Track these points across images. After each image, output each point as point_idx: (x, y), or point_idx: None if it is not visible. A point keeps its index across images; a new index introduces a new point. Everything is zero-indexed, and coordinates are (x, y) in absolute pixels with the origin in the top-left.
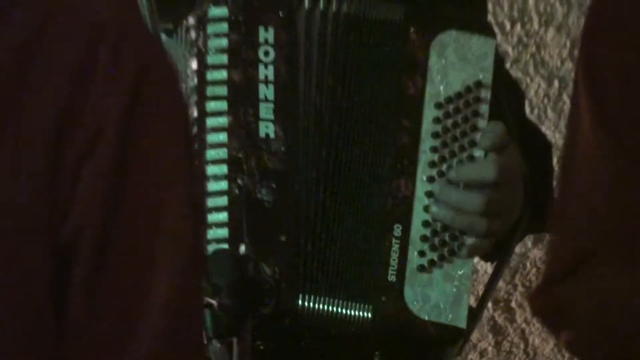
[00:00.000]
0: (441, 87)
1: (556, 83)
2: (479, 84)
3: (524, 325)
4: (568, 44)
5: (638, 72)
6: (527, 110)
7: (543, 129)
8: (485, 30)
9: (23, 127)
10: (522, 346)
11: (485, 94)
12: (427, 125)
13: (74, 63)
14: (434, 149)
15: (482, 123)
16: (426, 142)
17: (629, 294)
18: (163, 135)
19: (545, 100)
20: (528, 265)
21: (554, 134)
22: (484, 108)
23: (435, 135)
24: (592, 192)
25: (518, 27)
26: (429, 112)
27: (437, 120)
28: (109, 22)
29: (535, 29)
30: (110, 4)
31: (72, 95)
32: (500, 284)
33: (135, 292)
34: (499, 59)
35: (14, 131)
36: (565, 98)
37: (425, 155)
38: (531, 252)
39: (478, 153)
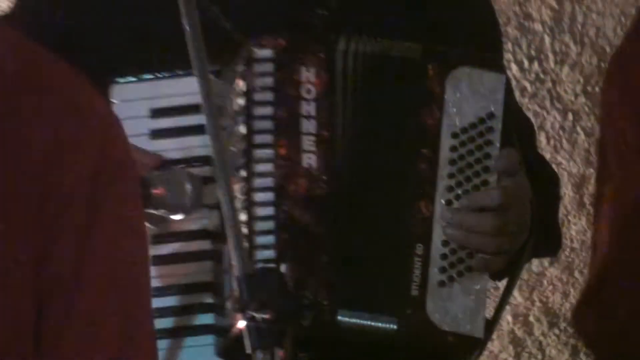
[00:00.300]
0: (457, 119)
1: (570, 116)
2: (491, 115)
3: (541, 337)
4: (581, 80)
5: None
6: (544, 141)
7: (559, 158)
8: (496, 66)
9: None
10: (539, 357)
11: (497, 124)
12: (445, 153)
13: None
14: (450, 175)
15: (494, 151)
16: (444, 169)
17: None
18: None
19: (561, 132)
20: (545, 282)
21: (569, 163)
22: (496, 137)
23: (452, 162)
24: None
25: (535, 64)
26: (446, 141)
27: (453, 148)
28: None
29: (551, 66)
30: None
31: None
32: (520, 299)
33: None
34: (509, 93)
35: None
36: (579, 130)
37: (443, 180)
38: (547, 271)
39: (491, 178)
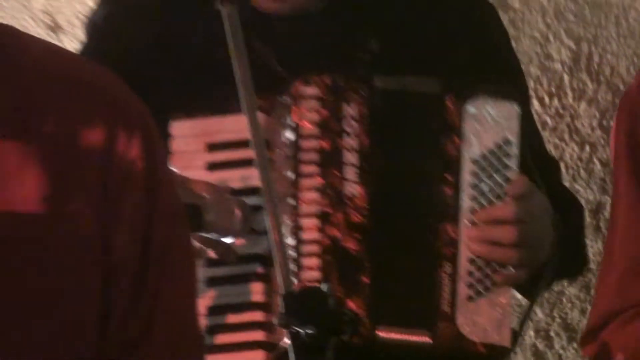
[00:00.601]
0: (475, 146)
1: (587, 148)
2: (507, 142)
3: (561, 351)
4: (597, 115)
5: None
6: (563, 170)
7: (576, 186)
8: (511, 96)
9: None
10: None
11: (513, 150)
12: (466, 178)
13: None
14: (472, 198)
15: (512, 174)
16: (465, 192)
17: None
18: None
19: (578, 162)
20: (564, 300)
21: (586, 190)
22: (513, 162)
23: (474, 186)
24: (618, 243)
25: (555, 100)
26: (467, 167)
27: (474, 173)
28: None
29: (569, 102)
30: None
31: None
32: (541, 315)
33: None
34: (524, 120)
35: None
36: (595, 160)
37: (465, 203)
38: (567, 290)
39: (509, 202)
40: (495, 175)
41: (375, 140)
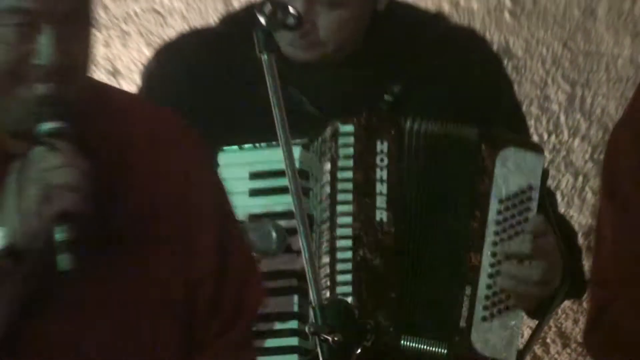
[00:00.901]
0: (503, 188)
1: (580, 178)
2: (530, 187)
3: (556, 355)
4: (589, 150)
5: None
6: (559, 198)
7: (570, 212)
8: (537, 148)
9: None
10: None
11: (535, 194)
12: (492, 215)
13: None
14: (496, 233)
15: (531, 215)
16: (490, 227)
17: None
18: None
19: (573, 191)
20: (559, 311)
21: (579, 215)
22: (533, 205)
23: (497, 222)
24: (606, 253)
25: (553, 137)
26: (494, 206)
27: (499, 211)
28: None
29: (565, 138)
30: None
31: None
32: None
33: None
34: (545, 171)
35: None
36: (587, 189)
37: (489, 237)
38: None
39: (527, 236)
40: (517, 214)
41: (404, 174)
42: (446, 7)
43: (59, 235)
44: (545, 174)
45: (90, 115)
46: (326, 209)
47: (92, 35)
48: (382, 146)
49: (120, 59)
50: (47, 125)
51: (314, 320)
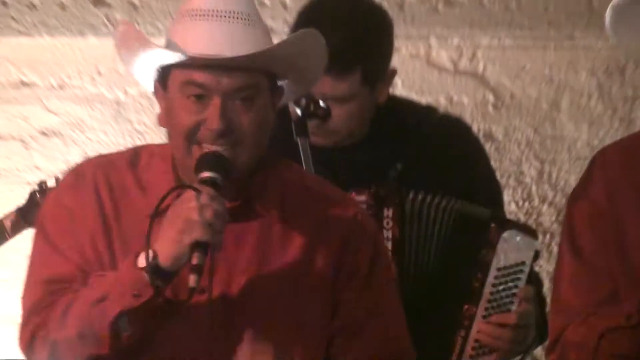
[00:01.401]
0: (502, 259)
1: (548, 236)
2: (523, 264)
3: None
4: (555, 213)
5: (594, 222)
6: None
7: (541, 262)
8: (533, 234)
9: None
10: None
11: (526, 269)
12: (490, 279)
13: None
14: (491, 293)
15: (520, 285)
16: (487, 288)
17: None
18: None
19: (542, 245)
20: None
21: (547, 265)
22: (524, 277)
23: (494, 285)
24: (564, 289)
25: (526, 203)
26: (493, 272)
27: (496, 277)
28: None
29: (536, 204)
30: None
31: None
32: None
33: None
34: (537, 251)
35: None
36: (554, 245)
37: (485, 296)
38: None
39: (515, 301)
40: (510, 282)
41: (405, 235)
42: (442, 101)
43: (192, 259)
44: (536, 254)
45: (249, 178)
46: None
47: (267, 111)
48: (388, 212)
49: None
50: (203, 175)
51: None
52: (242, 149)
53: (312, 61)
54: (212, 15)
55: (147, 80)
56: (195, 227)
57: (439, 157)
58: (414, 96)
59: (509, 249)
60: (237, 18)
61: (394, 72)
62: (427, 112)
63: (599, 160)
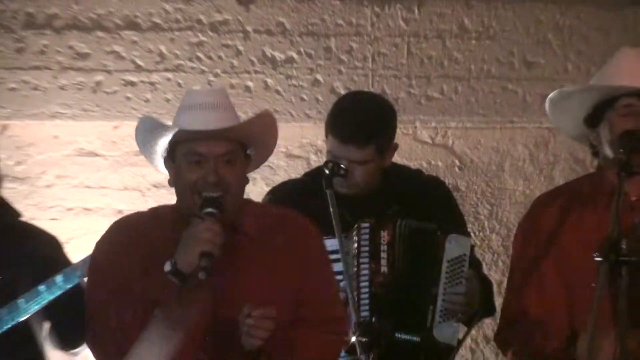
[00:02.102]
0: (450, 254)
1: (495, 255)
2: (464, 255)
3: (482, 349)
4: (500, 240)
5: (528, 239)
6: (486, 263)
7: (492, 273)
8: (467, 234)
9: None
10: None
11: (466, 258)
12: (444, 268)
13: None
14: (445, 277)
15: (465, 269)
16: (443, 274)
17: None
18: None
19: (492, 261)
20: (485, 325)
21: (495, 275)
22: (466, 264)
23: (446, 272)
24: (509, 292)
25: (481, 234)
26: (445, 264)
27: (447, 266)
28: None
29: (487, 234)
30: None
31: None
32: (474, 331)
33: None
34: (472, 246)
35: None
36: (500, 261)
37: (442, 279)
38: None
39: (463, 281)
40: (457, 268)
41: (395, 250)
42: (424, 165)
43: (201, 263)
44: (472, 248)
45: (240, 223)
46: (354, 266)
47: (243, 169)
48: (384, 234)
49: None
50: (206, 210)
51: (353, 329)
52: (229, 194)
53: (268, 136)
54: (202, 107)
55: (159, 162)
56: (202, 242)
57: (423, 201)
58: (405, 161)
59: (453, 247)
60: (217, 107)
61: (396, 145)
62: (416, 173)
63: (533, 205)
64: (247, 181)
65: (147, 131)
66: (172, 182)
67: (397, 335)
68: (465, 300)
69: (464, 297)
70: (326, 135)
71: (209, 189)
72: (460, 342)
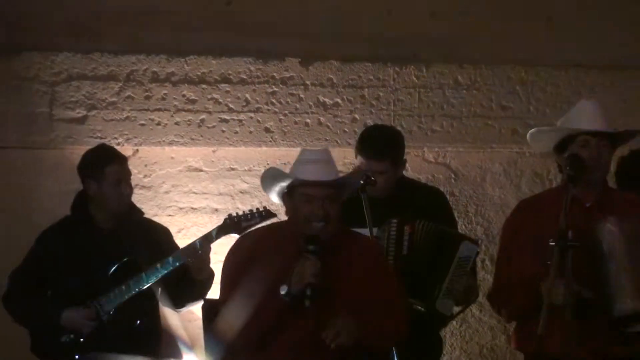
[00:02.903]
0: (461, 254)
1: (480, 242)
2: (470, 256)
3: (473, 320)
4: (483, 231)
5: (514, 237)
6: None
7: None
8: (476, 243)
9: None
10: (477, 331)
11: (471, 260)
12: (454, 262)
13: None
14: (454, 268)
15: (469, 267)
16: (453, 265)
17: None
18: None
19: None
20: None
21: (482, 255)
22: (470, 263)
23: (456, 266)
24: (499, 269)
25: (469, 226)
26: (456, 259)
27: (457, 261)
28: None
29: (474, 226)
30: None
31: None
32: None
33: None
34: (478, 252)
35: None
36: (482, 247)
37: (452, 268)
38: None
39: (465, 274)
40: (463, 264)
41: (415, 240)
42: (430, 178)
43: (307, 292)
44: (477, 253)
45: (336, 245)
46: (384, 248)
47: (339, 204)
48: (407, 228)
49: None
50: (311, 247)
51: None
52: (331, 225)
53: (356, 183)
54: (314, 161)
55: (272, 195)
56: (307, 275)
57: (429, 206)
58: (416, 175)
59: (464, 249)
60: (324, 162)
61: (405, 161)
62: (423, 184)
63: (517, 206)
64: (341, 215)
65: (272, 177)
66: (289, 213)
67: (411, 300)
68: (463, 288)
69: (463, 286)
70: (356, 156)
71: (317, 219)
72: (453, 317)
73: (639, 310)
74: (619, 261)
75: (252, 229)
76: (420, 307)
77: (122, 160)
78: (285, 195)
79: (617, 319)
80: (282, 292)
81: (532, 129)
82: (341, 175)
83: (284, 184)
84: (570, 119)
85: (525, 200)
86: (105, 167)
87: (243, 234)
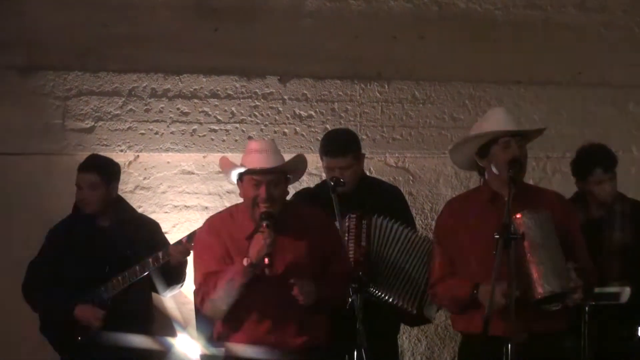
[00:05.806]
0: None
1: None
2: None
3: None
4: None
5: (448, 235)
6: None
7: None
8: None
9: None
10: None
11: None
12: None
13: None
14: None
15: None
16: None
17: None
18: None
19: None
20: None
21: None
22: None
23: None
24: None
25: (424, 223)
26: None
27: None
28: None
29: (429, 223)
30: None
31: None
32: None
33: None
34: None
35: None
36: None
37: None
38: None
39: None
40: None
41: (370, 235)
42: (391, 179)
43: (265, 261)
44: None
45: (284, 217)
46: (346, 240)
47: (286, 186)
48: (364, 222)
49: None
50: (265, 222)
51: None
52: (275, 204)
53: (300, 167)
54: (259, 151)
55: (234, 180)
56: (264, 246)
57: (387, 203)
58: (379, 177)
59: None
60: (269, 151)
61: (364, 155)
62: (385, 183)
63: (447, 204)
64: (287, 193)
65: (229, 166)
66: (242, 195)
67: (394, 301)
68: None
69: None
70: (321, 158)
71: (263, 202)
72: (432, 319)
73: (555, 292)
74: (534, 249)
75: (216, 212)
76: (412, 310)
77: (82, 169)
78: (239, 181)
79: (537, 301)
80: (245, 264)
81: (457, 140)
82: (283, 163)
83: (237, 171)
84: (485, 125)
85: (452, 200)
86: (77, 174)
87: (210, 216)
